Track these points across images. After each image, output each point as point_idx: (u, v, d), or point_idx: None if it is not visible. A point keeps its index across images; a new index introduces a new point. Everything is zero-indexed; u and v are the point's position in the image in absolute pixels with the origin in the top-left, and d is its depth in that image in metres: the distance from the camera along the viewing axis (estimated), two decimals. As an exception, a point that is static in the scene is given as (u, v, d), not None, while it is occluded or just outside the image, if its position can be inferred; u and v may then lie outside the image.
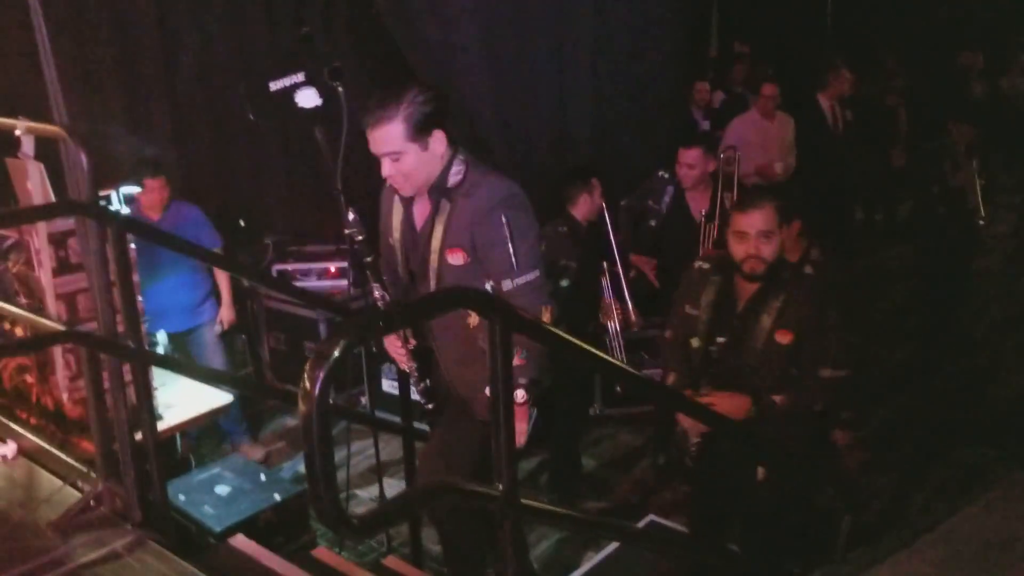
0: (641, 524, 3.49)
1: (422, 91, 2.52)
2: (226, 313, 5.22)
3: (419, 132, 2.50)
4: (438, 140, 2.55)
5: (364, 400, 5.65)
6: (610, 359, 2.35)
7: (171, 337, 5.04)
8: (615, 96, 6.04)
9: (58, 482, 2.96)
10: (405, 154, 2.52)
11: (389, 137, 2.49)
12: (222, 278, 5.22)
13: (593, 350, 2.03)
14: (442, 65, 5.22)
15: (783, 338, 2.99)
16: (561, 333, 1.92)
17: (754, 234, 2.95)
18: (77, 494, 2.86)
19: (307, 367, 1.46)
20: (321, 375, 1.45)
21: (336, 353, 1.47)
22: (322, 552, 3.35)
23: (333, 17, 6.07)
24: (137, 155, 4.85)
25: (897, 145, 7.74)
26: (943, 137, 5.23)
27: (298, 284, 5.76)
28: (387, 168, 2.56)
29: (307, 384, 1.45)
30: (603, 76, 5.93)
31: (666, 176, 5.05)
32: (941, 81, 7.73)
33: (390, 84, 2.60)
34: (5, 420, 3.45)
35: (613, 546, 4.17)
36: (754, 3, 9.56)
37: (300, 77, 3.45)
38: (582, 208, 4.72)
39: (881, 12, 9.31)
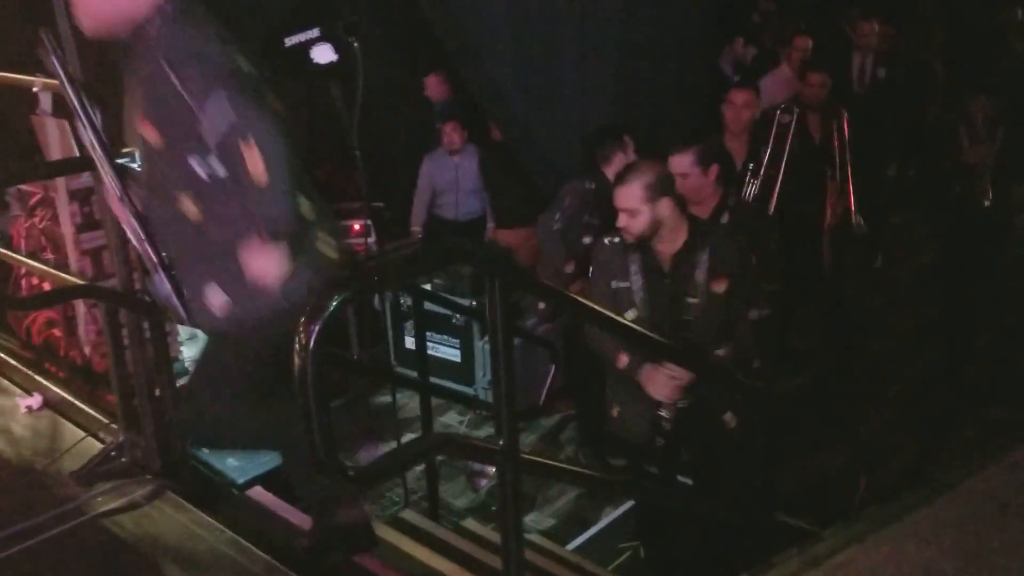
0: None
1: None
2: None
3: None
4: None
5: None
6: (599, 309, 2.25)
7: None
8: (641, 60, 5.93)
9: (81, 433, 3.03)
10: None
11: None
12: None
13: (583, 300, 2.00)
14: (464, 29, 5.14)
15: (719, 286, 3.02)
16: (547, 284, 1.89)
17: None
18: (99, 445, 2.92)
19: (302, 321, 1.47)
20: (315, 329, 1.46)
21: (331, 308, 1.48)
22: (340, 505, 3.40)
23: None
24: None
25: (932, 101, 7.54)
26: (961, 109, 4.96)
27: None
28: None
29: (301, 338, 1.46)
30: (629, 41, 5.81)
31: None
32: (978, 37, 7.46)
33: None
34: (31, 372, 3.52)
35: (630, 503, 4.21)
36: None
37: (315, 32, 3.43)
38: (617, 167, 4.60)
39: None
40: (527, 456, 1.85)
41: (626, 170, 3.14)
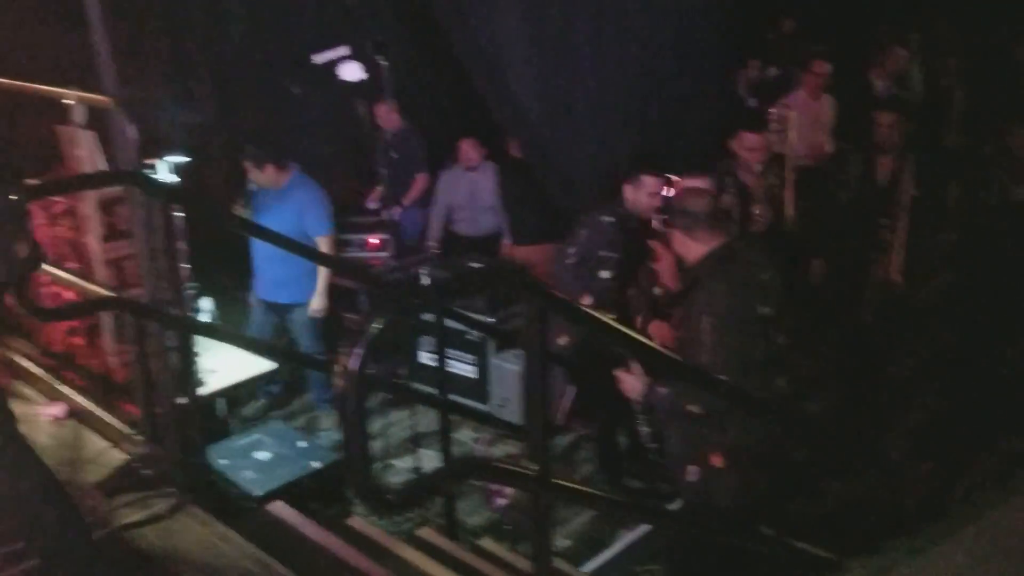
0: (673, 506, 3.48)
1: None
2: (315, 301, 5.08)
3: None
4: None
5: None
6: (626, 331, 2.22)
7: (269, 304, 5.11)
8: (659, 81, 5.95)
9: (104, 443, 3.03)
10: None
11: None
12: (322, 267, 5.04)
13: (607, 319, 2.00)
14: (485, 48, 5.16)
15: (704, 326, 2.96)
16: (588, 309, 1.89)
17: None
18: (122, 456, 2.93)
19: (345, 343, 1.48)
20: (359, 352, 1.46)
21: (375, 330, 1.49)
22: (357, 521, 3.39)
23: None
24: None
25: (951, 126, 7.52)
26: (999, 142, 4.74)
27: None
28: None
29: (345, 360, 1.46)
30: (648, 61, 5.84)
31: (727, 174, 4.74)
32: (996, 69, 7.41)
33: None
34: (54, 381, 3.53)
35: (647, 526, 4.18)
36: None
37: (344, 50, 3.45)
38: (627, 197, 4.45)
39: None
40: (561, 483, 1.85)
41: None
